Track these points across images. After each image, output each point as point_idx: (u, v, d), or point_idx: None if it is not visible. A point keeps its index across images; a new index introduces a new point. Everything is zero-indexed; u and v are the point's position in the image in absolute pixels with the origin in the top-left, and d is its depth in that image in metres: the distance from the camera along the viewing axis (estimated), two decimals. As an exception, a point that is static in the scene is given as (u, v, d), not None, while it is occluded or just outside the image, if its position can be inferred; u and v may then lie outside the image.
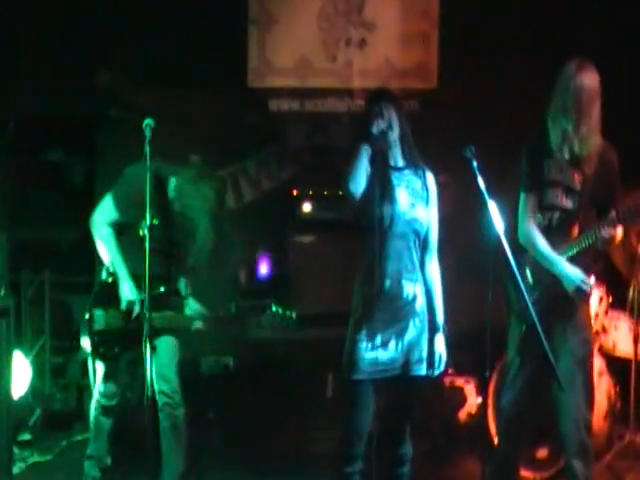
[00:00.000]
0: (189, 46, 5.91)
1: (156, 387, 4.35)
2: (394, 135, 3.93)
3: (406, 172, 3.97)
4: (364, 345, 3.82)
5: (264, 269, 5.98)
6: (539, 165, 4.14)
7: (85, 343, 4.43)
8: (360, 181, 3.85)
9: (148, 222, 3.96)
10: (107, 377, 4.48)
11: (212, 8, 5.95)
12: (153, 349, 4.16)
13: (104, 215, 4.40)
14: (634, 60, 5.84)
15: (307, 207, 5.92)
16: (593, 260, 4.16)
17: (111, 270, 4.44)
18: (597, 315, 5.20)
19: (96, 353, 4.43)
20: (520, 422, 4.20)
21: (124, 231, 4.39)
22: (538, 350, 3.58)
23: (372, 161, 3.91)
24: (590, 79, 4.05)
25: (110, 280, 4.44)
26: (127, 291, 4.34)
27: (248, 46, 6.29)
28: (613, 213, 3.98)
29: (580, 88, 4.04)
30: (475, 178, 3.56)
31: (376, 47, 6.35)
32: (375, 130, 3.88)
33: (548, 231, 4.10)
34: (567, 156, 4.10)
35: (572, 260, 4.05)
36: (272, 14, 6.30)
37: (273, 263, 6.01)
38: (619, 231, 4.03)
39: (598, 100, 4.05)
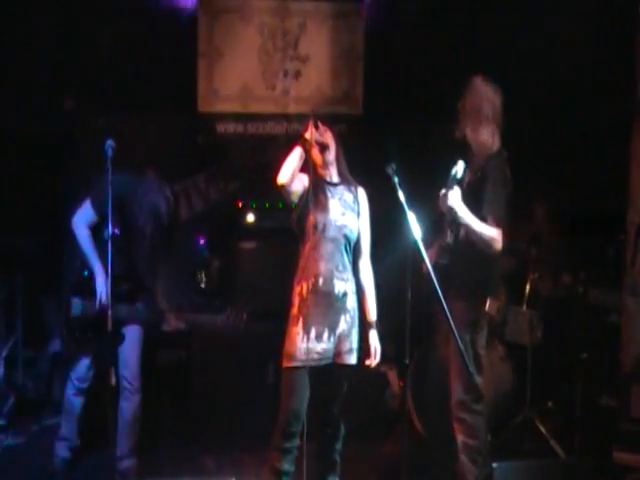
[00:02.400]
0: (147, 77, 6.18)
1: (120, 372, 4.60)
2: (331, 156, 4.25)
3: (340, 187, 4.28)
4: (300, 337, 4.06)
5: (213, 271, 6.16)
6: None
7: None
8: (288, 174, 4.06)
9: (110, 231, 4.25)
10: (80, 361, 4.72)
11: (167, 44, 6.22)
12: (120, 338, 4.48)
13: (83, 217, 4.68)
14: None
15: (250, 217, 6.16)
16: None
17: (86, 264, 4.66)
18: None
19: (72, 337, 4.67)
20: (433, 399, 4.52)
21: (99, 231, 4.61)
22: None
23: (309, 173, 4.14)
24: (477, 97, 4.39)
25: (86, 273, 4.68)
26: (100, 284, 4.58)
27: (198, 76, 6.54)
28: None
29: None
30: (396, 192, 3.86)
31: (309, 78, 6.69)
32: (308, 135, 4.12)
33: None
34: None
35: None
36: (218, 49, 6.56)
37: (221, 265, 6.20)
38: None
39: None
